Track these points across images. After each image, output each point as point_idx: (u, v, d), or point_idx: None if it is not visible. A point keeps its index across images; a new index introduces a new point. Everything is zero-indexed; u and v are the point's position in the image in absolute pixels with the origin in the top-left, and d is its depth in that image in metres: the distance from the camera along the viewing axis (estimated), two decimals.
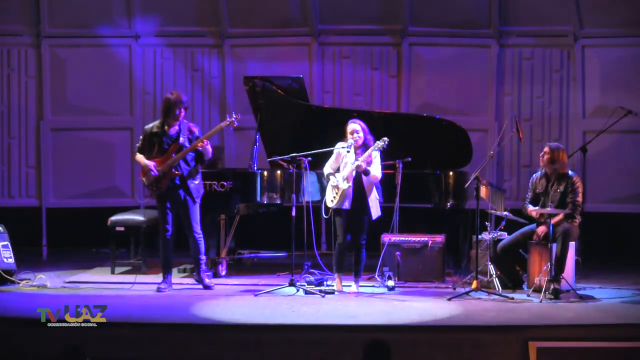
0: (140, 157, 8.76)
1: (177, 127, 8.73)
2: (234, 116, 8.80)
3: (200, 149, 8.63)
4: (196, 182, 8.79)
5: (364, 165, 8.51)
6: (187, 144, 8.68)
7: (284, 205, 9.40)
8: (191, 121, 9.12)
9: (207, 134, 8.79)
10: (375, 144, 8.57)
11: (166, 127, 8.73)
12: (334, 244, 8.83)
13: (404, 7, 11.33)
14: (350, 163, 8.61)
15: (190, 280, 9.29)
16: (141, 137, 8.87)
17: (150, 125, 8.85)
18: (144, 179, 8.75)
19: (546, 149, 8.83)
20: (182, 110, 8.69)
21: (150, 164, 8.67)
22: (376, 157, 8.61)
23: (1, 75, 11.62)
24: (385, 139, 8.53)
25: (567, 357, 6.95)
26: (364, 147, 8.65)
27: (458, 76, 11.41)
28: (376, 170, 8.60)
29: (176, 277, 9.23)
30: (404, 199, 9.24)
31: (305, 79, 10.28)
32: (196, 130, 8.78)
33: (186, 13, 11.58)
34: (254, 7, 11.50)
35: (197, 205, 8.80)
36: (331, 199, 8.67)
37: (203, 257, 8.90)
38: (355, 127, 8.67)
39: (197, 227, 8.82)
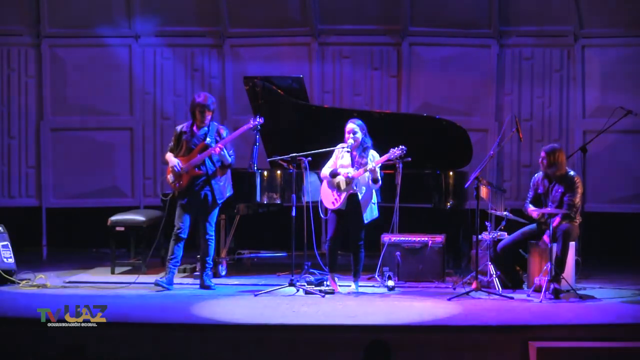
0: (168, 155, 8.90)
1: (205, 129, 8.80)
2: (258, 119, 8.89)
3: (215, 153, 8.69)
4: (221, 183, 8.84)
5: (378, 172, 8.51)
6: (213, 145, 8.73)
7: (284, 205, 9.40)
8: (221, 124, 9.16)
9: (226, 138, 8.81)
10: (392, 152, 8.51)
11: (195, 128, 8.82)
12: (326, 246, 8.85)
13: (404, 7, 11.33)
14: (348, 164, 8.61)
15: (190, 280, 9.30)
16: (173, 137, 8.99)
17: (181, 125, 8.98)
18: (169, 176, 8.82)
19: (542, 154, 8.81)
20: (207, 112, 8.77)
21: (175, 161, 8.74)
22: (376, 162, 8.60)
23: (1, 75, 11.61)
24: (403, 147, 8.52)
25: (567, 357, 6.95)
26: (362, 148, 8.64)
27: (458, 76, 11.41)
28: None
29: (176, 277, 9.20)
30: (404, 199, 9.23)
31: (305, 79, 10.28)
32: (224, 133, 8.86)
33: (186, 13, 11.58)
34: (254, 7, 11.50)
35: (217, 208, 8.86)
36: (332, 201, 8.66)
37: (210, 262, 8.93)
38: (353, 127, 8.66)
39: (211, 229, 8.87)
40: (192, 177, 8.79)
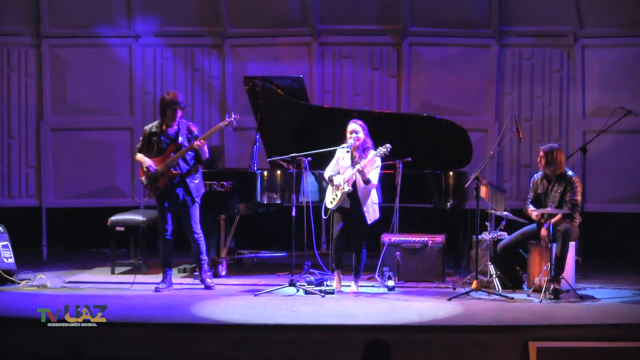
0: (139, 156, 8.79)
1: (175, 127, 8.74)
2: (233, 116, 8.83)
3: (197, 148, 8.65)
4: (196, 181, 8.80)
5: (366, 173, 8.50)
6: (186, 144, 8.70)
7: (284, 205, 9.40)
8: (191, 121, 9.14)
9: (206, 134, 8.82)
10: (378, 149, 8.54)
11: (165, 127, 8.75)
12: (331, 244, 8.86)
13: (404, 7, 11.33)
14: (348, 164, 8.61)
15: (190, 280, 9.30)
16: (141, 137, 8.90)
17: (150, 125, 8.88)
18: (142, 178, 8.77)
19: (540, 153, 8.81)
20: (178, 110, 8.70)
21: (149, 162, 8.69)
22: (376, 162, 8.60)
23: (1, 75, 11.62)
24: (388, 145, 8.51)
25: (567, 357, 6.95)
26: (363, 148, 8.64)
27: (458, 76, 11.41)
28: (373, 178, 8.61)
29: (176, 277, 9.23)
30: (404, 199, 9.23)
31: (305, 79, 10.28)
32: (195, 130, 8.79)
33: (186, 13, 11.58)
34: (254, 7, 11.50)
35: (197, 205, 8.82)
36: (330, 200, 8.67)
37: (205, 258, 8.91)
38: (355, 128, 8.66)
39: (197, 227, 8.82)
40: (168, 177, 8.73)
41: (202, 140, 8.64)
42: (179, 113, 8.71)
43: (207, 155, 8.77)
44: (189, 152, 8.72)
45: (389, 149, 8.51)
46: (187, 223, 8.80)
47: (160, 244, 8.83)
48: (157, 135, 8.75)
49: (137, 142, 8.86)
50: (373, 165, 8.57)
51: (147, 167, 8.67)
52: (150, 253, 9.76)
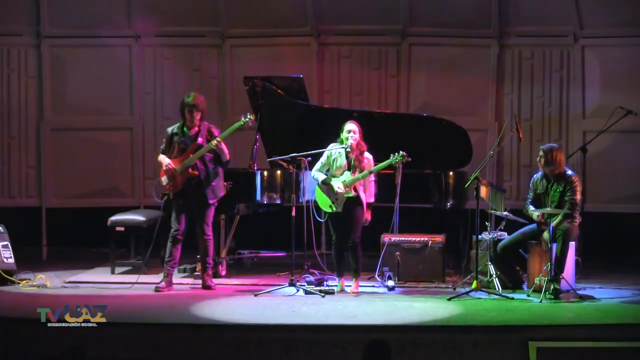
0: (160, 157, 8.89)
1: (196, 129, 8.78)
2: (249, 116, 8.86)
3: (214, 147, 8.67)
4: (214, 183, 8.81)
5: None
6: (205, 145, 8.72)
7: (284, 205, 9.40)
8: (221, 124, 9.16)
9: (221, 134, 8.82)
10: (394, 156, 8.56)
11: (185, 129, 8.80)
12: (333, 251, 8.85)
13: (404, 7, 11.33)
14: (343, 165, 8.61)
15: (191, 280, 9.31)
16: (164, 139, 8.98)
17: (172, 126, 8.95)
18: (162, 178, 8.80)
19: (540, 152, 8.82)
20: (196, 112, 8.74)
21: (168, 161, 8.73)
22: (370, 160, 8.64)
23: (1, 75, 11.61)
24: (403, 153, 8.56)
25: (567, 357, 6.95)
26: (359, 151, 8.65)
27: (458, 76, 11.40)
28: (369, 196, 8.69)
29: (176, 277, 9.23)
30: (404, 199, 9.23)
31: (305, 79, 10.26)
32: (216, 132, 8.83)
33: (186, 13, 11.58)
34: (254, 7, 11.50)
35: (212, 208, 8.84)
36: (330, 204, 8.65)
37: (210, 262, 8.92)
38: (353, 128, 8.68)
39: (208, 230, 8.85)
40: (186, 178, 8.76)
41: (218, 139, 8.66)
42: (197, 115, 8.77)
43: (227, 156, 8.81)
44: (208, 154, 8.74)
45: (404, 157, 8.58)
46: (200, 224, 8.83)
47: (169, 242, 8.84)
48: (177, 135, 8.85)
49: (139, 142, 8.90)
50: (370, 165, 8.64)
51: (167, 166, 8.71)
52: (151, 253, 9.74)
